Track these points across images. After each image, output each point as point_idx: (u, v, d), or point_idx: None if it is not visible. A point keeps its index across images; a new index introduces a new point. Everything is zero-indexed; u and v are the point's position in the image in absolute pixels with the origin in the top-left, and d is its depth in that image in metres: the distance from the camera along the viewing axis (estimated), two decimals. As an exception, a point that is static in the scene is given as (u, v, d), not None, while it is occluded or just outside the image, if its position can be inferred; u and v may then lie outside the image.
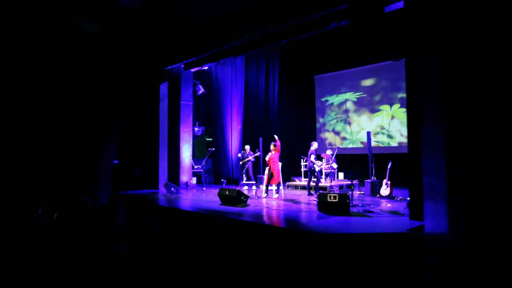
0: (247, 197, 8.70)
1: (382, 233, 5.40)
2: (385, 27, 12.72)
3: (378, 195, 9.91)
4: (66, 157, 11.50)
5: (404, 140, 13.73)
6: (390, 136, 14.13)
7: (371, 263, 5.00)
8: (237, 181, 14.04)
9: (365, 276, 4.86)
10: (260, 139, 13.70)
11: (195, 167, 13.87)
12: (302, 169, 12.57)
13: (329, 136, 16.06)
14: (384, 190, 9.71)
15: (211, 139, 15.02)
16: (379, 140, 14.45)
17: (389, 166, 9.86)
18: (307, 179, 12.41)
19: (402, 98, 13.76)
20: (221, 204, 8.74)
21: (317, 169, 9.47)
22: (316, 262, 5.02)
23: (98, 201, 10.74)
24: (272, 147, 9.96)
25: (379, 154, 13.54)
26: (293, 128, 16.50)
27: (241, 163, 12.31)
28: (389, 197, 9.58)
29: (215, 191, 11.80)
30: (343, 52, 14.86)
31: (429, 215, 4.80)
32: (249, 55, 14.35)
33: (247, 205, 8.42)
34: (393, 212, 7.38)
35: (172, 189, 11.05)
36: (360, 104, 15.00)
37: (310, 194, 10.12)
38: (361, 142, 14.97)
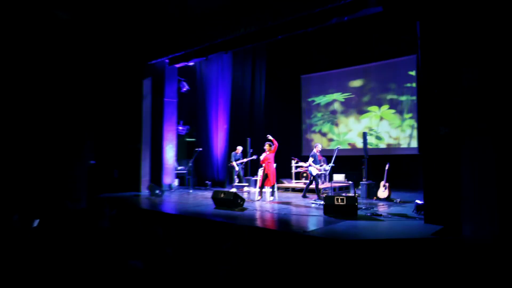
0: (243, 200, 8.14)
1: (408, 238, 5.00)
2: (373, 28, 12.54)
3: (375, 197, 9.60)
4: (37, 157, 10.52)
5: (393, 141, 13.60)
6: (378, 138, 13.94)
7: (402, 270, 4.57)
8: (223, 183, 13.43)
9: (397, 284, 4.43)
10: (248, 139, 13.17)
11: (179, 168, 13.15)
12: (293, 171, 12.12)
13: (315, 138, 15.71)
14: (382, 192, 9.41)
15: (193, 139, 14.28)
16: (367, 142, 14.18)
17: (386, 168, 9.57)
18: (298, 181, 12.02)
19: (391, 99, 13.62)
20: (216, 208, 8.13)
21: (314, 172, 8.99)
22: (345, 271, 4.54)
23: (78, 205, 9.84)
24: (267, 147, 9.45)
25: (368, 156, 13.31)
26: (279, 128, 16.03)
27: (234, 164, 11.73)
28: (388, 199, 9.28)
29: (203, 193, 11.20)
30: (331, 52, 14.59)
31: (469, 220, 4.43)
32: (237, 52, 13.78)
33: (246, 209, 7.85)
34: (401, 215, 7.03)
35: (157, 191, 10.32)
36: (348, 105, 14.75)
37: (305, 196, 9.65)
38: (349, 144, 14.73)
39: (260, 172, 9.66)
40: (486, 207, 5.01)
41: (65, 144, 11.12)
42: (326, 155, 13.23)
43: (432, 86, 6.25)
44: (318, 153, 9.04)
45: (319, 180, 9.36)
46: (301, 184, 11.69)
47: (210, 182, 13.21)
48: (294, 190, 11.48)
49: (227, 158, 13.60)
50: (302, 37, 12.89)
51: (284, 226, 6.23)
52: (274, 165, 9.44)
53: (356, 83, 14.56)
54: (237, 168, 11.67)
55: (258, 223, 6.50)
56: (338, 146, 10.99)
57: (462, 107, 5.89)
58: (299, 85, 16.18)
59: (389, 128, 13.69)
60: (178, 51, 11.37)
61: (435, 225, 5.91)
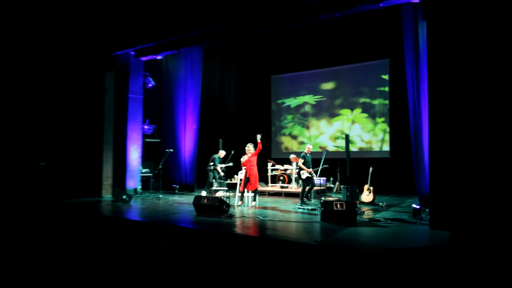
0: (229, 206, 7.40)
1: (427, 246, 4.60)
2: (346, 29, 12.36)
3: (358, 201, 9.26)
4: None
5: (365, 145, 13.48)
6: (350, 141, 13.73)
7: (425, 279, 4.13)
8: (192, 187, 12.54)
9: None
10: (220, 140, 12.43)
11: (143, 171, 12.09)
12: (269, 174, 11.53)
13: (285, 140, 15.28)
14: (366, 196, 9.09)
15: (156, 140, 13.22)
16: (338, 145, 14.01)
17: (370, 171, 9.27)
18: (274, 185, 11.45)
19: (364, 103, 13.50)
20: (197, 215, 7.31)
21: (303, 175, 8.42)
22: (371, 283, 4.00)
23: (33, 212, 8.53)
24: (249, 147, 8.77)
25: (339, 159, 13.09)
26: (248, 130, 15.38)
27: (219, 168, 11.00)
28: (372, 203, 8.97)
29: (174, 198, 10.30)
30: (303, 52, 14.17)
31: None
32: (207, 49, 12.98)
33: (233, 216, 7.11)
34: (399, 220, 6.68)
35: (124, 196, 9.25)
36: (319, 108, 14.47)
37: (303, 202, 8.88)
38: (320, 147, 14.42)
39: (241, 175, 8.96)
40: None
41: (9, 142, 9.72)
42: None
43: (439, 88, 5.97)
44: (308, 154, 8.44)
45: (310, 184, 8.70)
46: (277, 187, 11.14)
47: (177, 186, 12.27)
48: (270, 194, 10.89)
49: (196, 160, 12.74)
50: (273, 36, 12.43)
51: (289, 236, 5.60)
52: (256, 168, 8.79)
53: (328, 85, 14.32)
54: (222, 174, 10.93)
55: (258, 232, 5.82)
56: (326, 149, 10.60)
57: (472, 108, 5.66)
58: (269, 86, 15.68)
59: (361, 131, 13.56)
60: (147, 42, 10.39)
61: (442, 230, 5.61)
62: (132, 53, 11.28)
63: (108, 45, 10.78)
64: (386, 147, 13.05)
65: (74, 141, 10.78)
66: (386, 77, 13.06)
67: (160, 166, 10.45)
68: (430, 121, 6.00)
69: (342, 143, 13.92)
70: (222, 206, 7.17)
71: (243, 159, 8.74)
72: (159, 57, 11.78)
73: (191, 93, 12.86)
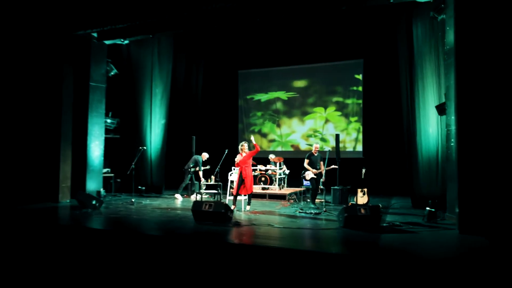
0: (232, 212, 6.51)
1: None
2: (321, 26, 11.98)
3: (351, 203, 8.84)
4: None
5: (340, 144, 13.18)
6: (323, 140, 13.44)
7: None
8: (159, 188, 11.33)
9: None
10: (193, 137, 11.37)
11: (103, 170, 10.63)
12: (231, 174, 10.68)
13: (254, 138, 14.49)
14: (361, 198, 8.68)
15: (116, 136, 11.76)
16: (311, 144, 13.61)
17: (363, 172, 8.88)
18: (254, 185, 10.64)
19: (337, 101, 13.23)
20: (198, 224, 6.32)
21: (308, 176, 7.71)
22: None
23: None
24: (244, 146, 7.92)
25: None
26: (215, 127, 14.46)
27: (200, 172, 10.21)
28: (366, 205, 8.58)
29: (149, 202, 9.09)
30: (274, 47, 13.45)
31: None
32: (177, 37, 11.81)
33: (240, 224, 6.21)
34: (417, 224, 6.31)
35: (94, 202, 7.87)
36: (291, 106, 13.95)
37: (314, 206, 8.16)
38: (292, 146, 13.94)
39: (234, 177, 8.07)
40: None
41: None
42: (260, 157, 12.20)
43: (470, 86, 5.65)
44: (316, 154, 7.70)
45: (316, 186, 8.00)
46: (258, 189, 10.37)
47: (143, 188, 10.99)
48: (253, 196, 10.07)
49: (165, 159, 11.54)
50: (244, 28, 11.61)
51: (325, 246, 4.90)
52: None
53: (301, 83, 13.87)
54: (203, 180, 10.01)
55: (290, 244, 5.03)
56: (329, 149, 10.06)
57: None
58: (236, 81, 14.83)
59: (334, 130, 13.27)
60: (116, 22, 9.01)
61: (474, 235, 5.32)
62: (95, 34, 9.79)
63: (67, 23, 9.19)
64: (359, 147, 12.91)
65: (25, 135, 9.06)
66: (359, 76, 12.90)
67: (133, 166, 9.14)
68: (459, 120, 5.65)
69: (314, 141, 13.56)
70: (227, 213, 6.27)
71: (237, 159, 7.87)
72: (125, 42, 10.40)
73: (159, 85, 11.62)
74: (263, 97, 14.38)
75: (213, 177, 10.90)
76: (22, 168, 8.86)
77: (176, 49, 12.02)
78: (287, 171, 10.85)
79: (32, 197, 8.70)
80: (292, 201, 9.53)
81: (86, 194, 7.98)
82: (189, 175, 10.25)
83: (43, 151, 8.95)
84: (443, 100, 8.05)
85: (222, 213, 6.22)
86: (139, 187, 10.85)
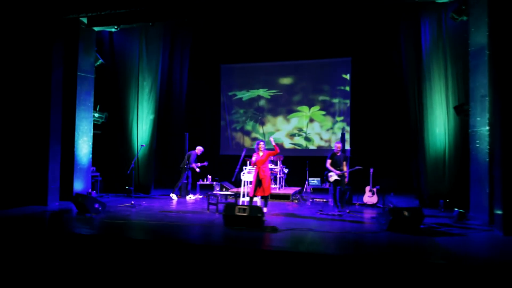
0: (263, 214, 6.18)
1: None
2: (310, 22, 11.92)
3: (358, 204, 8.89)
4: None
5: (324, 144, 13.28)
6: (308, 139, 13.43)
7: None
8: (147, 188, 10.60)
9: None
10: (186, 134, 10.78)
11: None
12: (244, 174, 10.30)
13: (236, 136, 14.18)
14: (369, 198, 8.76)
15: (97, 132, 10.80)
16: (295, 143, 13.57)
17: (371, 172, 8.95)
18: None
19: (323, 100, 13.27)
20: (228, 227, 5.92)
21: (331, 179, 7.51)
22: None
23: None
24: (261, 145, 7.58)
25: (297, 157, 12.65)
26: (199, 123, 13.85)
27: (196, 167, 9.64)
28: (375, 205, 8.67)
29: (149, 204, 8.42)
30: (259, 41, 13.07)
31: None
32: (166, 27, 11.08)
33: (277, 229, 5.90)
34: (447, 225, 6.43)
35: (96, 205, 7.09)
36: (276, 103, 13.76)
37: (338, 208, 7.74)
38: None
39: (248, 177, 7.71)
40: None
41: None
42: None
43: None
44: (339, 154, 7.50)
45: (341, 187, 7.62)
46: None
47: (132, 188, 10.19)
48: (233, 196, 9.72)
49: (154, 157, 10.81)
50: (228, 20, 11.18)
51: (395, 252, 4.77)
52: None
53: (286, 80, 13.72)
54: (198, 170, 9.44)
55: (347, 250, 4.84)
56: (349, 148, 9.93)
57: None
58: (219, 76, 14.32)
59: (320, 129, 13.33)
60: (113, 7, 8.22)
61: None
62: (84, 20, 8.87)
63: (57, 6, 8.21)
64: (346, 146, 13.03)
65: (9, 130, 7.96)
66: (347, 76, 13.03)
67: (133, 165, 8.39)
68: (502, 121, 5.78)
69: (299, 140, 13.52)
70: (262, 217, 5.94)
71: (254, 158, 7.51)
72: (113, 29, 9.54)
73: (146, 77, 10.86)
74: (244, 95, 14.03)
75: (209, 176, 10.44)
76: (4, 166, 7.76)
77: (167, 38, 11.32)
78: (285, 170, 10.66)
79: (15, 200, 7.65)
80: (296, 201, 9.38)
81: (87, 196, 7.16)
82: (185, 174, 9.68)
83: (29, 147, 7.91)
84: (451, 102, 8.34)
85: (258, 218, 5.88)
86: (127, 187, 10.05)
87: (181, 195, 9.89)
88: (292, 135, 13.58)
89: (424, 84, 8.76)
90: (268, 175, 7.46)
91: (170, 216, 7.11)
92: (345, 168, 7.43)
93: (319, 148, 13.31)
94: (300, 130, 13.52)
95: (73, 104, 8.71)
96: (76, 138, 8.77)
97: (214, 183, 10.01)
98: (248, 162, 10.22)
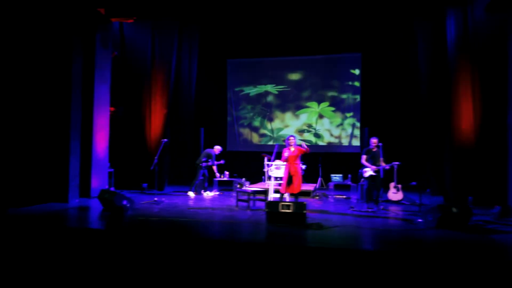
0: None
1: None
2: (319, 17, 11.80)
3: (381, 200, 8.82)
4: None
5: (334, 140, 13.22)
6: (317, 135, 13.33)
7: None
8: (160, 185, 10.27)
9: None
10: (201, 129, 10.55)
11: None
12: (265, 169, 10.14)
13: (244, 132, 13.97)
14: (394, 195, 8.71)
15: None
16: (305, 139, 13.45)
17: (395, 168, 8.89)
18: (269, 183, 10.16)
19: (332, 96, 13.20)
20: (270, 224, 5.75)
21: (366, 174, 7.37)
22: None
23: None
24: (291, 140, 7.41)
25: (307, 154, 12.49)
26: (206, 119, 13.53)
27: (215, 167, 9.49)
28: (400, 202, 8.63)
29: (173, 201, 8.17)
30: (267, 36, 12.83)
31: None
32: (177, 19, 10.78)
33: (323, 226, 5.76)
34: (490, 222, 6.37)
35: (124, 202, 6.80)
36: (284, 99, 13.60)
37: (375, 205, 7.54)
38: (284, 140, 13.56)
39: (281, 172, 7.54)
40: None
41: None
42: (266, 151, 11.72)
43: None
44: (375, 149, 7.35)
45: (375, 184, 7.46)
46: (276, 185, 9.90)
47: (146, 184, 9.91)
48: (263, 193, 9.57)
49: (168, 152, 10.51)
50: (235, 14, 10.98)
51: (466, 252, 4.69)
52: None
53: (295, 75, 13.58)
54: (218, 174, 9.21)
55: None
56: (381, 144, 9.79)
57: None
58: (225, 71, 14.06)
59: (329, 126, 13.25)
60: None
61: None
62: (102, 10, 8.50)
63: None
64: (356, 142, 13.01)
65: (30, 123, 7.55)
66: (356, 71, 12.97)
67: (156, 161, 8.09)
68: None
69: (308, 137, 13.40)
70: (306, 214, 5.79)
71: (286, 153, 7.34)
72: (130, 20, 9.19)
73: (159, 71, 10.53)
74: (252, 90, 13.83)
75: (226, 172, 10.23)
76: (23, 162, 7.36)
77: (175, 32, 10.98)
78: (303, 166, 10.52)
79: (34, 197, 7.27)
80: (318, 197, 9.27)
81: (115, 192, 6.84)
82: (201, 171, 9.45)
83: (50, 143, 7.52)
84: (477, 97, 8.32)
85: (303, 215, 5.74)
86: (142, 184, 9.76)
87: (197, 191, 9.65)
88: (301, 131, 13.46)
89: (448, 80, 8.75)
90: (300, 172, 7.30)
91: (203, 213, 6.89)
92: (382, 164, 7.33)
93: (329, 144, 13.24)
94: (310, 126, 13.41)
95: (90, 98, 8.36)
96: (94, 133, 8.42)
97: (233, 179, 9.84)
98: (265, 158, 10.11)
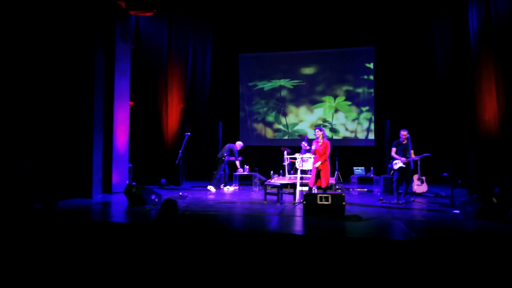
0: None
1: None
2: (332, 11, 11.69)
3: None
4: None
5: (350, 134, 13.12)
6: (333, 130, 13.22)
7: None
8: (177, 180, 10.15)
9: None
10: (220, 123, 10.44)
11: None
12: (285, 163, 10.05)
13: (257, 127, 13.86)
14: (419, 187, 8.64)
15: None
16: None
17: (418, 160, 8.79)
18: (293, 176, 10.08)
19: (347, 90, 13.09)
20: (308, 216, 5.66)
21: (396, 166, 7.26)
22: None
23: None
24: (319, 133, 7.30)
25: (336, 148, 12.38)
26: (218, 114, 13.38)
27: (238, 163, 9.57)
28: (424, 194, 8.55)
29: (197, 196, 8.06)
30: (279, 30, 12.68)
31: None
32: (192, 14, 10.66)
33: (361, 218, 5.66)
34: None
35: (153, 197, 6.69)
36: (298, 94, 13.49)
37: (403, 197, 7.38)
38: (299, 135, 13.50)
39: (309, 165, 7.43)
40: None
41: None
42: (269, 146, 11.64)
43: None
44: (405, 142, 7.24)
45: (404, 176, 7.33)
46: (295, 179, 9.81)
47: (164, 180, 9.79)
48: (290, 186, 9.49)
49: (185, 146, 10.39)
50: (247, 7, 10.86)
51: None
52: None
53: (309, 70, 13.45)
54: (241, 169, 9.12)
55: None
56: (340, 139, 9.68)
57: None
58: (237, 65, 13.93)
59: (345, 120, 13.14)
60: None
61: None
62: (121, 4, 8.37)
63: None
64: (371, 136, 12.92)
65: (54, 116, 7.44)
66: (370, 65, 12.87)
67: (181, 155, 7.97)
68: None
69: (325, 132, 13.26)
70: (344, 205, 5.70)
71: (314, 146, 7.24)
72: (149, 13, 9.06)
73: (175, 65, 10.41)
74: (266, 85, 13.71)
75: (246, 166, 10.13)
76: (49, 158, 7.24)
77: (191, 27, 10.86)
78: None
79: (58, 193, 7.14)
80: (340, 190, 9.18)
81: (144, 187, 6.72)
82: (223, 165, 9.35)
83: (74, 138, 7.40)
84: (501, 88, 8.23)
85: (341, 206, 5.65)
86: (159, 178, 9.65)
87: (216, 186, 9.53)
88: (316, 126, 13.32)
89: (470, 72, 8.66)
90: (326, 166, 7.17)
91: (233, 207, 6.79)
92: (412, 156, 7.24)
93: (345, 138, 13.14)
94: (325, 121, 13.30)
95: (111, 92, 8.23)
96: (114, 128, 8.30)
97: (253, 173, 9.75)
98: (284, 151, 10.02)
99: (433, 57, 10.30)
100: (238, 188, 9.71)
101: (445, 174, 8.02)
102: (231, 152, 9.29)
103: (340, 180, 11.55)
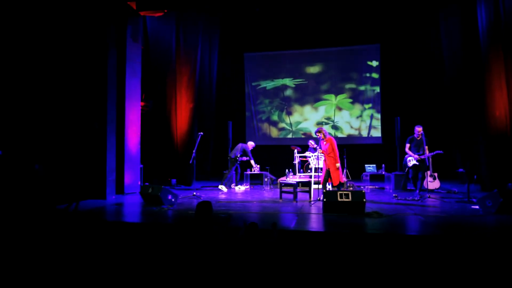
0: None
1: None
2: (336, 9, 11.70)
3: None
4: None
5: (354, 132, 13.16)
6: (335, 127, 13.25)
7: None
8: (188, 180, 10.14)
9: None
10: (229, 122, 10.42)
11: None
12: (296, 162, 10.04)
13: (263, 127, 13.86)
14: (431, 183, 8.65)
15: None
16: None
17: (430, 157, 8.83)
18: (304, 175, 10.08)
19: (351, 88, 13.13)
20: (328, 213, 5.67)
21: (409, 163, 7.28)
22: None
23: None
24: (318, 134, 7.29)
25: (344, 146, 12.40)
26: (227, 115, 13.34)
27: (253, 162, 9.59)
28: (436, 191, 8.59)
29: (209, 196, 8.04)
30: (282, 29, 12.66)
31: None
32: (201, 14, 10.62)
33: (382, 215, 5.68)
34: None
35: (169, 197, 6.66)
36: (302, 93, 13.50)
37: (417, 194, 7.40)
38: (303, 134, 13.52)
39: (320, 164, 7.44)
40: None
41: None
42: (272, 145, 11.65)
43: None
44: (419, 138, 7.25)
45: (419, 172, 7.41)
46: (306, 177, 9.82)
47: (174, 180, 9.76)
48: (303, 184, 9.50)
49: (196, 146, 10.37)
50: (251, 5, 10.85)
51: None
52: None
53: (313, 68, 13.47)
54: (256, 167, 9.13)
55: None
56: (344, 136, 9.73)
57: None
58: (243, 65, 13.91)
59: (349, 118, 13.19)
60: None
61: None
62: (131, 5, 8.32)
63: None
64: (375, 133, 12.96)
65: (68, 116, 7.38)
66: (373, 63, 12.90)
67: (194, 155, 7.94)
68: None
69: (327, 129, 13.30)
70: (364, 202, 5.72)
71: (321, 147, 7.25)
72: (159, 14, 9.01)
73: (184, 65, 10.37)
74: (269, 84, 13.71)
75: (257, 166, 10.11)
76: (66, 159, 7.19)
77: (197, 26, 10.80)
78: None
79: (72, 194, 7.08)
80: (351, 188, 9.20)
81: (160, 187, 6.68)
82: (235, 165, 9.34)
83: (88, 138, 7.34)
84: (511, 84, 8.28)
85: (362, 203, 5.67)
86: (169, 179, 9.61)
87: (227, 185, 9.51)
88: (320, 124, 13.37)
89: (480, 68, 8.71)
90: (333, 165, 7.12)
91: (250, 206, 6.78)
92: (427, 152, 7.26)
93: (349, 136, 13.18)
94: (328, 119, 13.34)
95: (122, 92, 8.18)
96: (126, 128, 8.24)
97: (263, 172, 9.76)
98: (295, 150, 10.02)
99: (439, 54, 10.35)
100: (250, 187, 9.69)
101: (460, 169, 8.06)
102: (244, 153, 9.29)
103: (348, 177, 11.58)
